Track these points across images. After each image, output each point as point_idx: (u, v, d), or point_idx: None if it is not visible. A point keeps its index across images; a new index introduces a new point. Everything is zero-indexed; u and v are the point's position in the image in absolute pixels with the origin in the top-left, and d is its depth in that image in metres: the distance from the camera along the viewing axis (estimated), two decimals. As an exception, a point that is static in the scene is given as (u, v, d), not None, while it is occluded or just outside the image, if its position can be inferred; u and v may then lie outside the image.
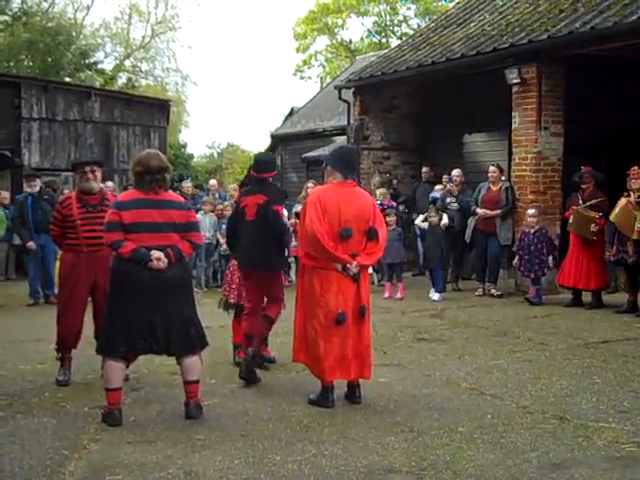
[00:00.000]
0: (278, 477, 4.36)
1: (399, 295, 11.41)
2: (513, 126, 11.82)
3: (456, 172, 12.63)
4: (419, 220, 11.87)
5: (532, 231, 10.77)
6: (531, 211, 10.96)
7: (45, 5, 37.08)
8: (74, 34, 36.83)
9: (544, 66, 11.44)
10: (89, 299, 6.62)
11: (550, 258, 10.70)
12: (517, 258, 10.90)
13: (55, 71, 32.22)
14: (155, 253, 5.29)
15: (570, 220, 10.48)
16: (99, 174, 6.71)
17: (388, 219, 11.27)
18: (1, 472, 4.38)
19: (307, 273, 5.92)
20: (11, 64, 33.52)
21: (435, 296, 11.20)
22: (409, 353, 7.71)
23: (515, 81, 11.53)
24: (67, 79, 31.55)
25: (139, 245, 5.30)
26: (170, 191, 5.78)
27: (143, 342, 5.33)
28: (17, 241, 12.79)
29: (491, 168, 11.79)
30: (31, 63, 33.84)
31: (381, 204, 12.93)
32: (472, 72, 12.68)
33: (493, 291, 11.55)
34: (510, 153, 12.23)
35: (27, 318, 10.27)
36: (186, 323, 5.45)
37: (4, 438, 4.89)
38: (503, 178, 11.88)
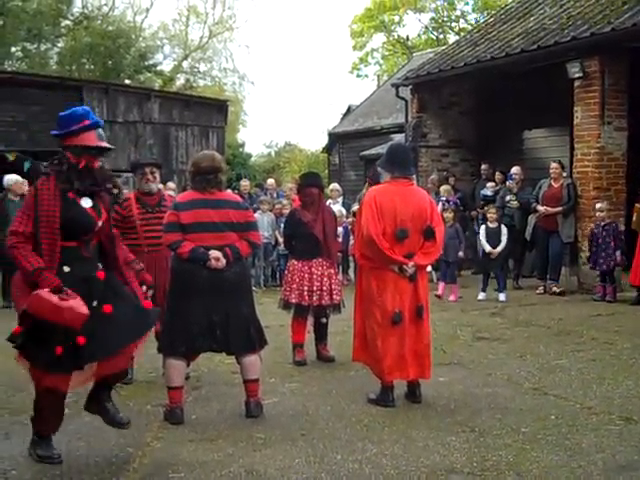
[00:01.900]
0: (339, 476, 4.35)
1: (452, 298, 11.07)
2: (575, 121, 11.59)
3: (515, 170, 12.43)
4: (483, 239, 11.38)
5: (602, 224, 10.58)
6: (598, 205, 10.77)
7: (105, 9, 37.86)
8: (133, 37, 37.49)
9: (607, 59, 11.19)
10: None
11: (618, 253, 10.47)
12: (588, 251, 10.76)
13: (115, 74, 32.83)
14: (213, 253, 5.32)
15: (634, 218, 10.26)
16: (158, 175, 6.79)
17: (445, 215, 11.13)
18: (69, 468, 4.47)
19: (364, 273, 5.92)
20: (73, 68, 34.24)
21: (501, 296, 10.96)
22: (469, 352, 7.63)
23: (577, 75, 11.30)
24: (127, 81, 32.11)
25: (198, 245, 5.34)
26: (229, 191, 5.81)
27: (202, 341, 5.37)
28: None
29: (552, 164, 11.60)
30: (92, 66, 34.53)
31: (447, 200, 12.87)
32: (532, 67, 12.48)
33: (555, 289, 11.36)
34: (572, 149, 12.01)
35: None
36: (245, 322, 5.47)
37: (71, 435, 4.98)
38: (565, 174, 11.68)
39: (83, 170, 4.48)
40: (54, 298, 4.20)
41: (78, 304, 4.25)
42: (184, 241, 5.35)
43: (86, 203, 4.51)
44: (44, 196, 4.39)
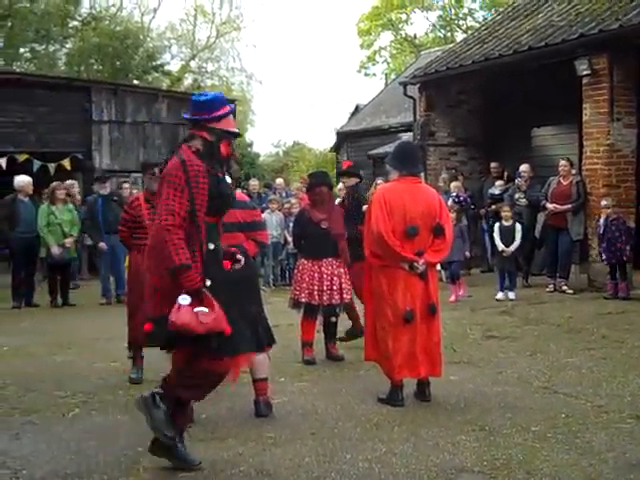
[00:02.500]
0: (349, 475, 4.34)
1: (462, 292, 11.09)
2: (584, 118, 11.56)
3: (524, 167, 12.38)
4: (497, 239, 11.27)
5: (610, 219, 10.55)
6: (603, 202, 10.77)
7: (113, 10, 37.89)
8: (141, 37, 37.48)
9: (615, 56, 11.16)
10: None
11: (627, 247, 10.43)
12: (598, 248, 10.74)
13: (123, 74, 32.84)
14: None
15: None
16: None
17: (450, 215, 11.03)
18: (79, 467, 4.48)
19: (374, 271, 5.90)
20: (81, 68, 34.29)
21: (511, 294, 10.90)
22: (479, 351, 7.61)
23: (585, 72, 11.26)
24: (135, 82, 32.12)
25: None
26: (237, 190, 5.80)
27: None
28: (88, 242, 13.07)
29: (562, 162, 11.56)
30: (100, 67, 34.55)
31: (457, 196, 12.82)
32: (540, 64, 12.44)
33: (565, 287, 11.31)
34: (581, 146, 11.97)
35: (100, 317, 10.47)
36: (253, 321, 5.46)
37: (81, 435, 4.99)
38: (574, 172, 11.64)
39: (225, 152, 4.46)
40: (195, 320, 4.07)
41: (218, 318, 4.19)
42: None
43: (229, 180, 4.52)
44: (196, 172, 4.23)
